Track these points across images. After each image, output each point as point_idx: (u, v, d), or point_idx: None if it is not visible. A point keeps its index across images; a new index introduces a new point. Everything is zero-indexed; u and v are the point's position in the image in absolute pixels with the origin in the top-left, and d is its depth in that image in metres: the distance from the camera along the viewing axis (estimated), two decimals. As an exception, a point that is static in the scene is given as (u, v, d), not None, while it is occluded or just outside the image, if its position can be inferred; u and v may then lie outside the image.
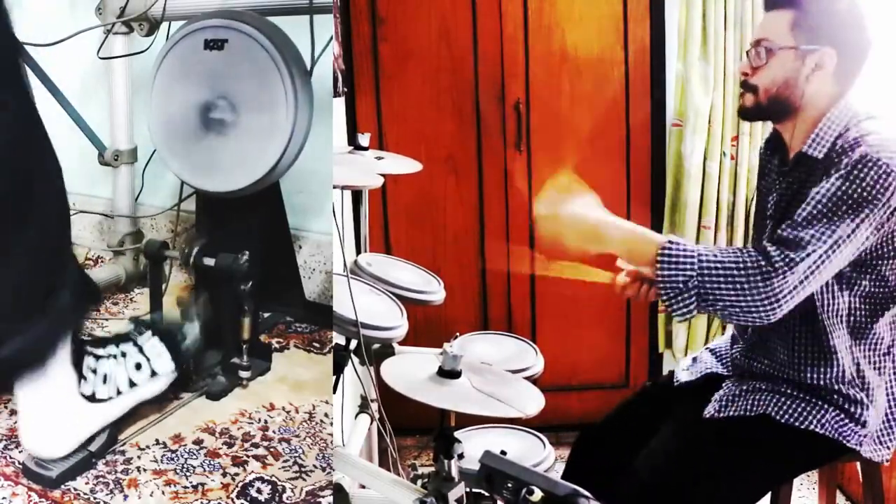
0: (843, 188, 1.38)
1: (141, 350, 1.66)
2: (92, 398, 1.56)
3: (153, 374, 1.66)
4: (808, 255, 1.37)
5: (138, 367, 1.64)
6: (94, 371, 1.57)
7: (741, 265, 1.39)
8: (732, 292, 1.38)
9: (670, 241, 1.44)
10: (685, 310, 1.43)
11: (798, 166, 1.53)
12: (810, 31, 1.46)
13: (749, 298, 1.38)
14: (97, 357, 1.59)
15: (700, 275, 1.40)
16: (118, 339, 1.68)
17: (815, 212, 1.39)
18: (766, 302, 1.37)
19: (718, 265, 1.40)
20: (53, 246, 1.45)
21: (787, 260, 1.37)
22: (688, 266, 1.41)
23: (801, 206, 1.41)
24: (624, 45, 2.59)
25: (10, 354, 1.39)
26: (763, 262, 1.37)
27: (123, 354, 1.63)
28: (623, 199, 2.68)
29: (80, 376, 1.54)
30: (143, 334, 1.69)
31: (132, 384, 1.62)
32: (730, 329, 1.79)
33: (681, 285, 1.41)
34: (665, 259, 1.43)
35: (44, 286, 1.43)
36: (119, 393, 1.60)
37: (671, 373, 1.78)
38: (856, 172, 1.38)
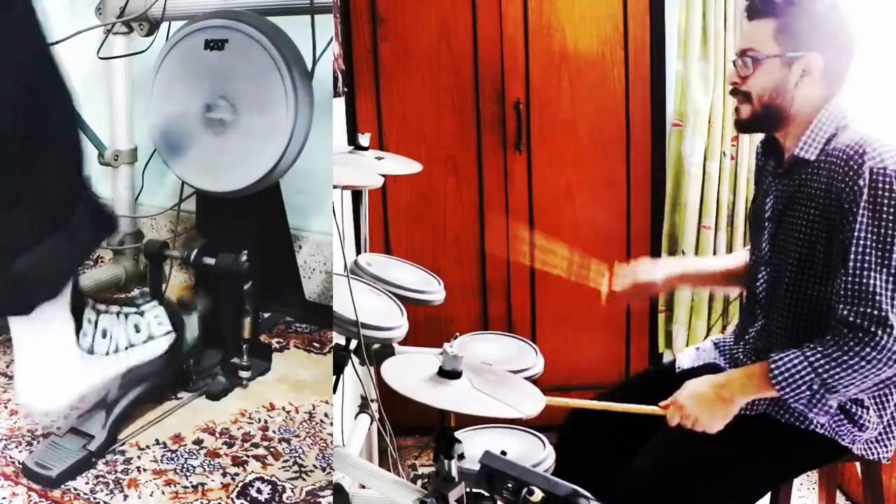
0: (875, 219, 1.38)
1: (142, 314, 1.67)
2: (90, 352, 1.54)
3: (150, 337, 1.66)
4: (887, 302, 1.37)
5: (137, 328, 1.64)
6: (94, 324, 1.56)
7: (843, 346, 1.38)
8: (855, 373, 1.38)
9: (773, 360, 1.44)
10: (828, 408, 1.43)
11: (794, 168, 1.53)
12: (794, 38, 1.47)
13: (874, 368, 1.37)
14: (98, 311, 1.58)
15: (818, 374, 1.40)
16: (121, 301, 1.69)
17: (863, 253, 1.38)
18: (891, 362, 1.37)
19: (827, 357, 1.39)
20: (68, 161, 1.45)
21: (870, 319, 1.36)
22: (804, 372, 1.41)
23: (850, 253, 1.39)
24: (624, 44, 2.59)
25: (26, 270, 1.38)
26: (855, 333, 1.37)
27: (125, 315, 1.64)
28: (623, 199, 2.68)
29: (79, 327, 1.53)
30: (148, 301, 1.70)
31: (130, 345, 1.62)
32: (732, 327, 1.79)
33: (808, 393, 1.41)
34: (781, 377, 1.42)
35: (62, 202, 1.43)
36: (116, 350, 1.59)
37: (673, 361, 1.79)
38: (879, 195, 1.37)
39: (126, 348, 1.61)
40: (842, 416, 1.50)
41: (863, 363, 1.37)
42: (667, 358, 2.80)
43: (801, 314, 1.53)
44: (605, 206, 2.69)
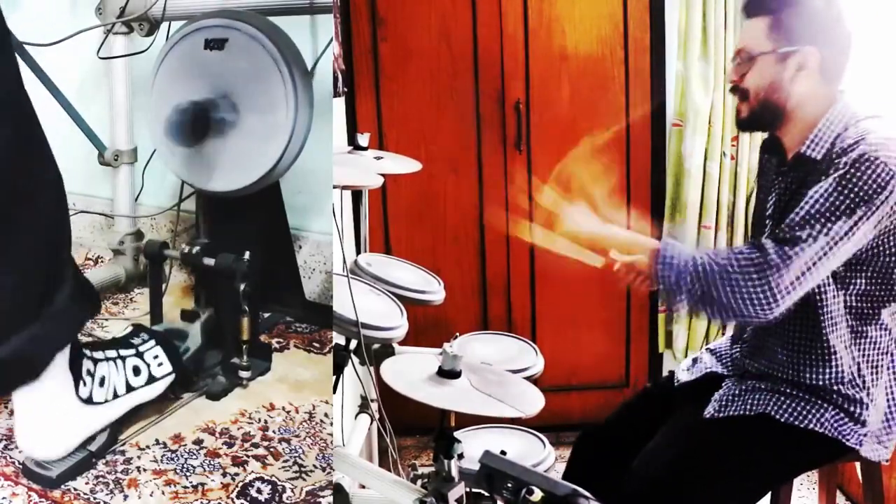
0: (840, 187, 1.38)
1: (140, 355, 1.67)
2: (89, 401, 1.55)
3: (151, 378, 1.66)
4: (803, 250, 1.38)
5: (136, 371, 1.64)
6: (92, 375, 1.56)
7: (735, 260, 1.40)
8: (728, 289, 1.39)
9: (666, 245, 1.46)
10: (677, 306, 1.45)
11: (797, 166, 1.53)
12: (788, 33, 1.48)
13: (745, 293, 1.38)
14: (95, 360, 1.58)
15: (696, 274, 1.42)
16: (117, 343, 1.69)
17: (812, 210, 1.39)
18: (761, 297, 1.38)
19: (714, 264, 1.42)
20: (51, 248, 1.44)
21: (780, 254, 1.38)
22: (681, 266, 1.43)
23: (799, 206, 1.41)
24: (624, 45, 2.59)
25: (5, 357, 1.38)
26: (757, 256, 1.39)
27: (122, 359, 1.63)
28: (623, 199, 2.68)
29: (78, 379, 1.53)
30: (145, 341, 1.70)
31: (129, 388, 1.62)
32: (730, 330, 1.79)
33: (675, 285, 1.43)
34: (662, 261, 1.45)
35: (41, 289, 1.42)
36: (116, 396, 1.60)
37: (671, 374, 1.79)
38: (853, 171, 1.38)
39: (126, 392, 1.62)
40: (842, 416, 1.50)
41: (741, 280, 1.38)
42: (667, 358, 2.80)
43: (798, 314, 1.53)
44: (606, 207, 2.69)
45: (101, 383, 1.57)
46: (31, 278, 1.41)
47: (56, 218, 1.45)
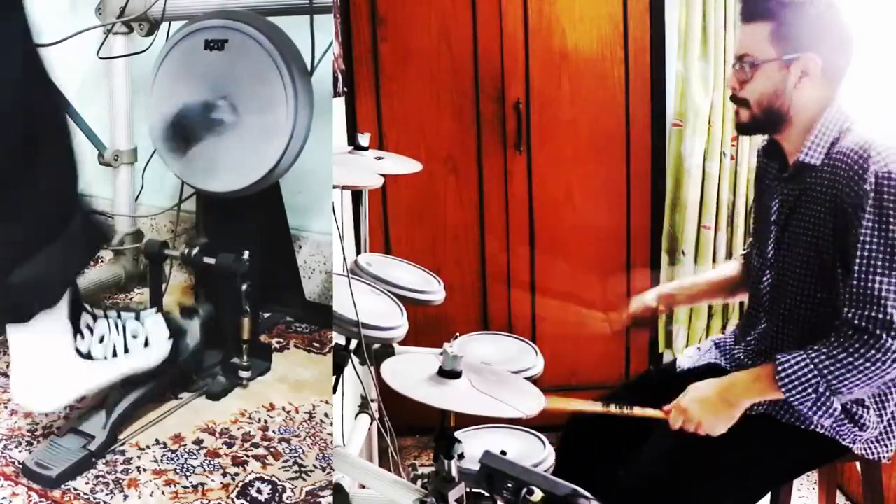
0: (881, 223, 1.37)
1: (140, 321, 1.67)
2: (87, 356, 1.54)
3: (147, 344, 1.65)
4: (893, 306, 1.36)
5: (135, 336, 1.64)
6: (91, 329, 1.55)
7: (848, 348, 1.38)
8: (860, 375, 1.37)
9: (779, 362, 1.43)
10: (832, 411, 1.43)
11: (799, 173, 1.52)
12: (791, 40, 1.46)
13: (878, 370, 1.36)
14: (95, 316, 1.58)
15: (823, 376, 1.40)
16: (119, 308, 1.69)
17: (870, 257, 1.37)
18: (891, 364, 1.36)
19: (832, 359, 1.39)
20: (65, 179, 1.44)
21: (875, 322, 1.36)
22: (809, 375, 1.40)
23: (855, 257, 1.38)
24: (624, 44, 2.59)
25: (23, 279, 1.38)
26: (860, 336, 1.37)
27: (123, 322, 1.63)
28: (623, 199, 2.68)
29: (76, 332, 1.52)
30: (147, 310, 1.70)
31: (126, 350, 1.62)
32: (731, 327, 1.79)
33: (813, 395, 1.41)
34: (787, 379, 1.42)
35: (57, 216, 1.43)
36: (114, 355, 1.59)
37: (673, 361, 1.79)
38: (884, 199, 1.37)
39: (124, 353, 1.61)
40: (842, 416, 1.49)
41: (868, 364, 1.37)
42: (667, 358, 2.80)
43: (806, 318, 1.52)
44: (605, 206, 2.69)
45: (101, 340, 1.57)
46: (47, 202, 1.41)
47: (64, 145, 1.45)
